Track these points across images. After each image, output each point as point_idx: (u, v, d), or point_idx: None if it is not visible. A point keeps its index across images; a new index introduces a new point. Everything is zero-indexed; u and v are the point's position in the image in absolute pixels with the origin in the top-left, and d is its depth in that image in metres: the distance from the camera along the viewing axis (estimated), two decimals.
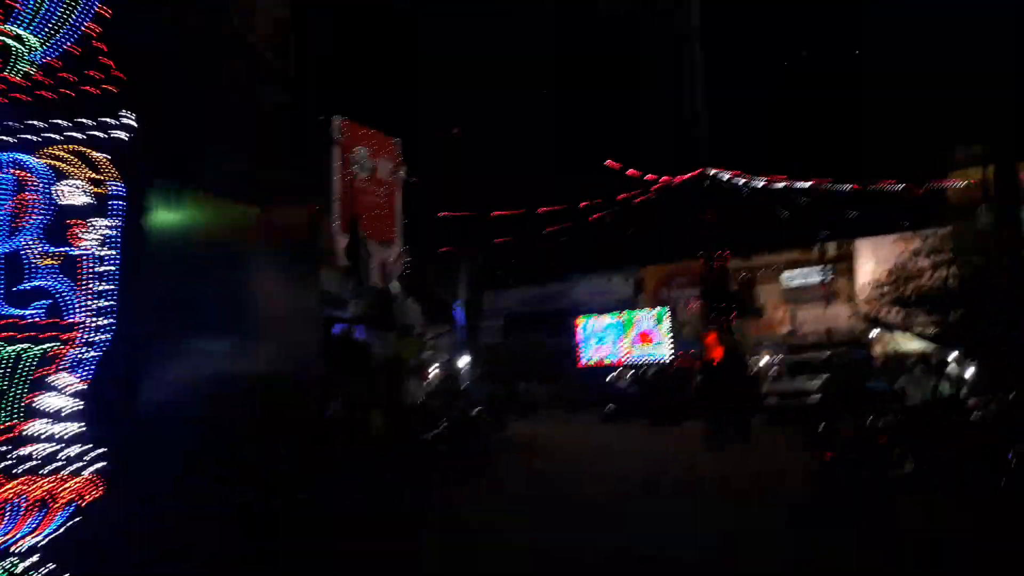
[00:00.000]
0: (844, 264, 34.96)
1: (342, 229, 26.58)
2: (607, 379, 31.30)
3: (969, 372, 15.99)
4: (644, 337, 35.56)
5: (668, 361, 33.13)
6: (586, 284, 39.66)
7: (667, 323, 35.11)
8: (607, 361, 36.19)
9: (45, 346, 5.41)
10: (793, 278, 36.45)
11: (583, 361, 37.20)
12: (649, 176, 29.48)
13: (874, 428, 11.83)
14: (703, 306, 25.96)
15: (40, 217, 5.49)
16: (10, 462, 5.33)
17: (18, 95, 5.62)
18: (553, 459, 17.74)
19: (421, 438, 14.16)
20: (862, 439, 11.50)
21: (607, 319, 36.87)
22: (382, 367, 19.99)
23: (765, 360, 33.77)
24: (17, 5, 5.50)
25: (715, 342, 24.02)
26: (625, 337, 36.06)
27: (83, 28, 5.70)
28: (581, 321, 37.60)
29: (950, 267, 19.40)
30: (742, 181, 28.29)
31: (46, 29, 5.60)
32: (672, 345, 34.88)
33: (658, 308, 35.84)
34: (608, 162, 28.79)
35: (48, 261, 5.51)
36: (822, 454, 11.23)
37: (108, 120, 5.71)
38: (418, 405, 19.78)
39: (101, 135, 5.70)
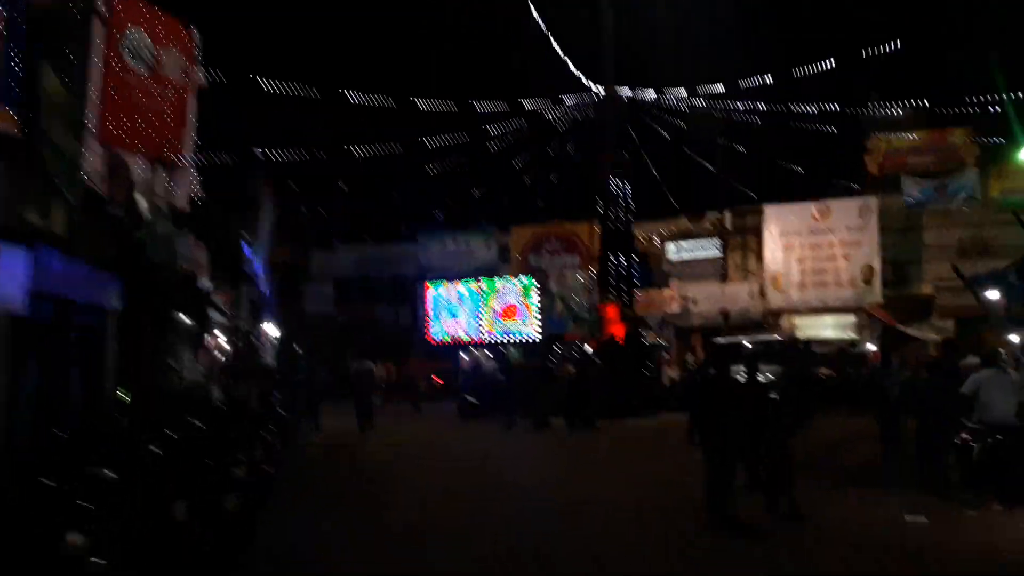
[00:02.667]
0: (743, 238, 29.84)
1: (102, 139, 18.39)
2: (468, 363, 24.60)
3: None
4: (508, 311, 29.10)
5: (543, 339, 26.79)
6: (438, 245, 32.61)
7: (536, 295, 28.79)
8: (463, 338, 29.51)
9: None
10: (680, 251, 30.99)
11: (432, 337, 30.31)
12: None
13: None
14: (599, 273, 19.75)
15: None
16: None
17: None
18: (384, 482, 10.85)
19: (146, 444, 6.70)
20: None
21: (461, 286, 30.12)
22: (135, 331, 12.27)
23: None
24: None
25: (616, 317, 17.92)
26: (485, 309, 29.46)
27: None
28: (431, 288, 30.66)
29: None
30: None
31: None
32: (541, 321, 28.63)
33: (525, 277, 29.44)
34: None
35: None
36: None
37: None
38: (179, 391, 12.28)
39: None
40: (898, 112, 28.46)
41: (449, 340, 30.06)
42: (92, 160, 12.91)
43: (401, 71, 42.93)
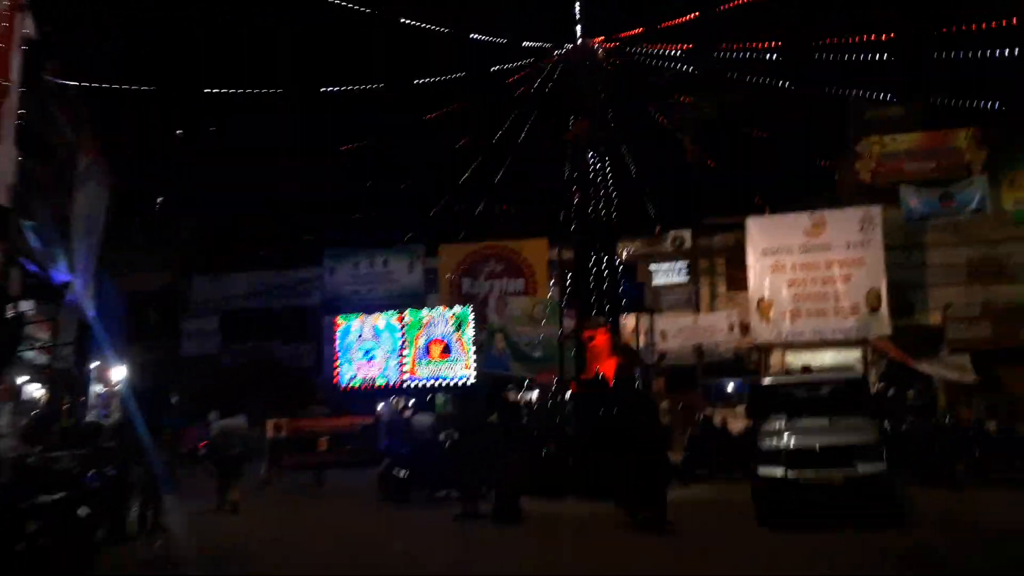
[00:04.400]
0: (710, 260, 25.26)
1: None
2: (387, 415, 19.02)
3: None
4: (437, 348, 23.67)
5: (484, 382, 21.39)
6: (349, 268, 26.86)
7: (471, 328, 23.46)
8: (380, 382, 23.89)
9: None
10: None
11: (342, 382, 24.53)
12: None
13: None
14: (583, 295, 14.49)
15: None
16: None
17: None
18: None
19: None
20: None
21: (380, 319, 24.51)
22: None
23: None
24: None
25: (606, 349, 12.79)
26: (408, 347, 23.92)
27: None
28: (341, 323, 24.92)
29: None
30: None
31: None
32: (476, 360, 23.31)
33: (459, 306, 24.09)
34: None
35: None
36: None
37: None
38: None
39: None
40: (889, 105, 24.85)
41: (362, 385, 24.35)
42: None
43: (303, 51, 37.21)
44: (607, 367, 12.48)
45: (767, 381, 12.07)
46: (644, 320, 21.46)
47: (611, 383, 12.37)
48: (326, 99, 20.69)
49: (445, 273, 25.47)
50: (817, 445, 9.47)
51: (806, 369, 12.20)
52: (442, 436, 13.70)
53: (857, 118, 24.84)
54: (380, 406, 24.48)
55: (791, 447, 9.51)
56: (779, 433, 9.90)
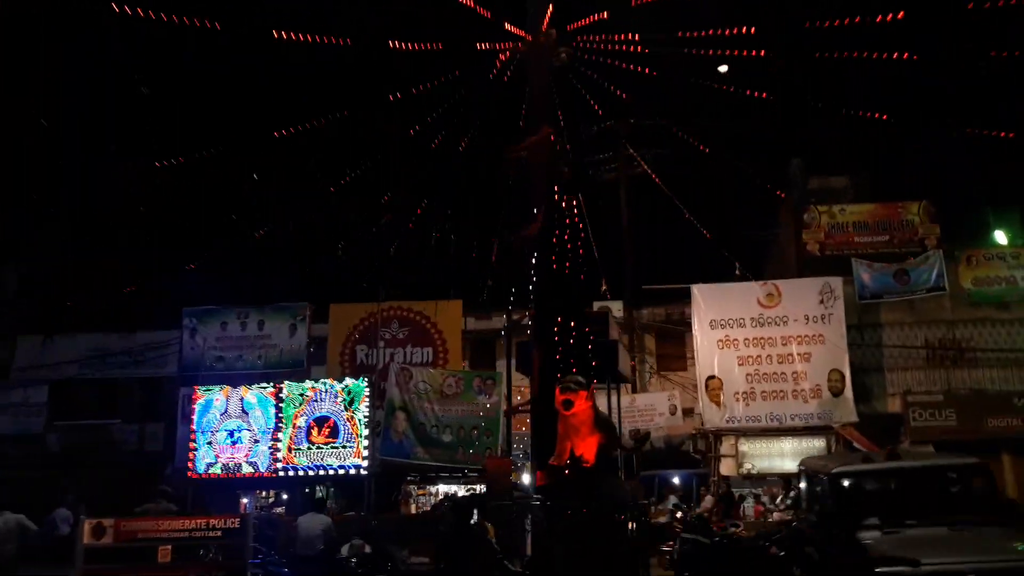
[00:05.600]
0: (633, 336, 22.28)
1: None
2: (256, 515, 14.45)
3: None
4: (322, 428, 19.24)
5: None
6: (214, 330, 22.13)
7: (366, 405, 19.25)
8: (246, 471, 19.13)
9: None
10: None
11: (198, 469, 19.58)
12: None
13: None
14: (537, 322, 10.64)
15: None
16: None
17: None
18: None
19: None
20: None
21: (250, 393, 19.88)
22: None
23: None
24: None
25: (588, 422, 9.10)
26: (284, 427, 19.36)
27: None
28: (201, 396, 20.10)
29: None
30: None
31: None
32: (370, 444, 19.04)
33: (351, 379, 19.85)
34: None
35: None
36: None
37: None
38: None
39: None
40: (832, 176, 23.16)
41: (223, 474, 19.49)
42: None
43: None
44: (587, 447, 8.87)
45: (846, 468, 8.66)
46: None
47: (588, 472, 8.78)
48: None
49: (335, 340, 21.21)
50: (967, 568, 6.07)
51: (892, 453, 8.91)
52: (345, 550, 9.48)
53: (799, 186, 22.97)
54: (244, 502, 19.83)
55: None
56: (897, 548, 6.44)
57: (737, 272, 20.64)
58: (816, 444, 18.58)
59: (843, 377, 18.89)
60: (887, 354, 20.45)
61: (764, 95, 13.20)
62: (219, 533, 11.66)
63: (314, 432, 19.31)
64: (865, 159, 22.95)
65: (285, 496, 19.80)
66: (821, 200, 22.14)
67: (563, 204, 11.51)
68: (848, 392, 18.78)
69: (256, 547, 11.01)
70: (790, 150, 23.49)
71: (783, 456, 18.53)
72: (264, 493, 19.90)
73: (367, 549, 9.06)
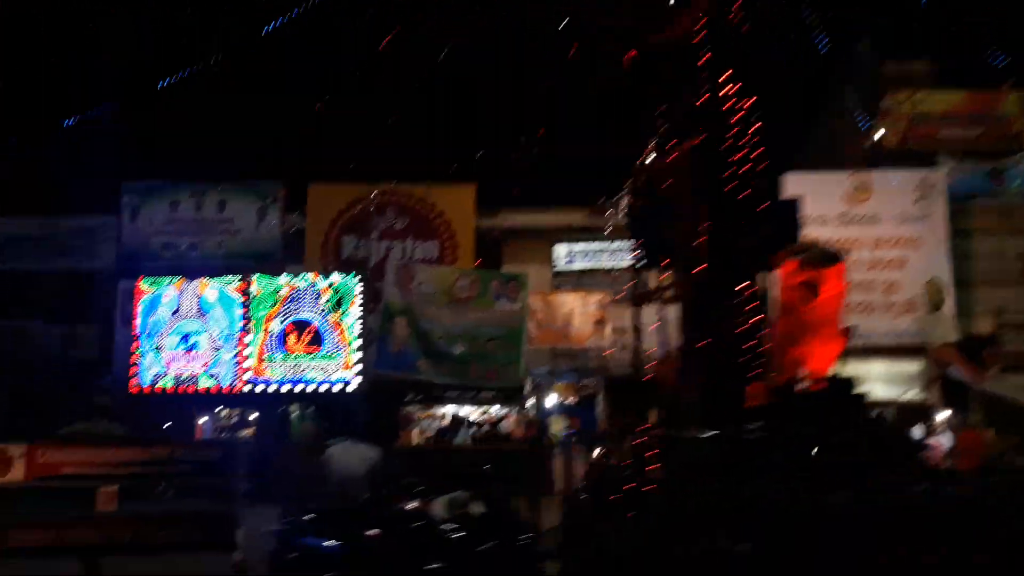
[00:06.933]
0: None
1: None
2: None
3: None
4: (302, 334, 15.46)
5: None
6: (162, 211, 17.77)
7: (358, 306, 15.46)
8: (205, 385, 15.31)
9: None
10: (573, 256, 19.37)
11: (143, 382, 15.63)
12: None
13: None
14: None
15: None
16: None
17: None
18: None
19: None
20: None
21: (209, 288, 15.87)
22: None
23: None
24: None
25: (834, 316, 5.63)
26: (253, 332, 15.51)
27: None
28: (147, 291, 15.99)
29: None
30: None
31: None
32: (364, 356, 15.36)
33: (339, 275, 15.95)
34: None
35: None
36: None
37: None
38: None
39: None
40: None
41: (175, 388, 15.61)
42: None
43: None
44: (825, 355, 5.43)
45: None
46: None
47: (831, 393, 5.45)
48: None
49: (316, 226, 17.19)
50: None
51: None
52: (439, 507, 5.70)
53: (868, 71, 19.53)
54: (201, 423, 16.07)
55: None
56: None
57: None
58: (911, 368, 15.51)
59: (942, 289, 15.82)
60: (977, 267, 17.44)
61: None
62: (189, 466, 7.83)
63: (291, 339, 15.55)
64: (952, 40, 19.52)
65: (253, 417, 16.01)
66: (899, 87, 18.77)
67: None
68: (949, 306, 15.72)
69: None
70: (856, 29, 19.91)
71: (870, 382, 15.38)
72: (226, 412, 16.06)
73: (474, 508, 5.46)
